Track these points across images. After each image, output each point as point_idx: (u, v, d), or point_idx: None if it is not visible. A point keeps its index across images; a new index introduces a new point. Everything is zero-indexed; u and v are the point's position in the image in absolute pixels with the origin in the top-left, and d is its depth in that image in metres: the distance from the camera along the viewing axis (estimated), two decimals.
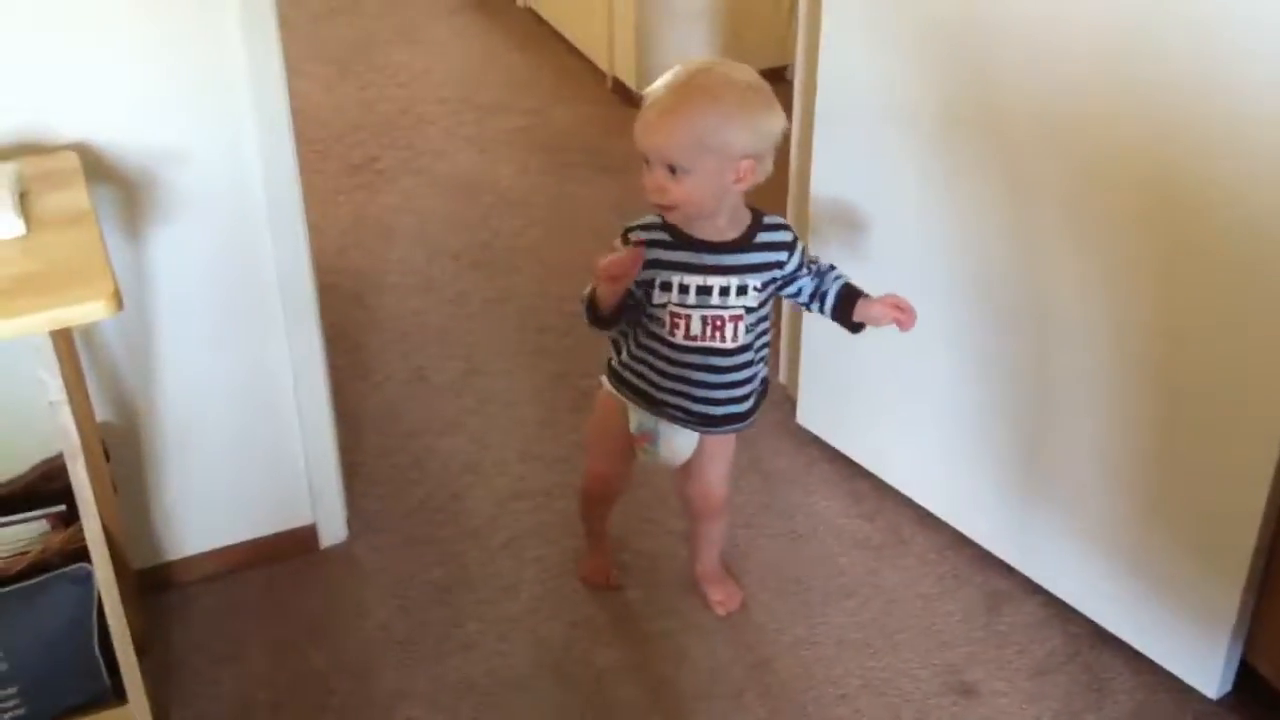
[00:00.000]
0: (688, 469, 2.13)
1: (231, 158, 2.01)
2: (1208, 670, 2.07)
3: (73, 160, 1.83)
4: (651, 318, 1.92)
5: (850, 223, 2.38)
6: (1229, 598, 1.98)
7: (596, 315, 1.90)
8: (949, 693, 2.14)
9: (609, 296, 1.85)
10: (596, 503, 2.27)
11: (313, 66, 4.27)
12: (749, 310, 1.90)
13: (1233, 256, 1.81)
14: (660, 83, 1.82)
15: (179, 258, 2.04)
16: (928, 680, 2.16)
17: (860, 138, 2.31)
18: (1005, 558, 2.34)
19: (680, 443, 2.06)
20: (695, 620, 2.27)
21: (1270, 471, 1.86)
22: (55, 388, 1.66)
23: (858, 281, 2.00)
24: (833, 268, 2.00)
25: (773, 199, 2.77)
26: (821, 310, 1.99)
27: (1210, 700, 2.08)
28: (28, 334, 1.55)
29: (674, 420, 2.01)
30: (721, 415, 2.00)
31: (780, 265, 1.91)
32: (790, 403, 2.71)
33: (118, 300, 1.55)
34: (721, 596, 2.29)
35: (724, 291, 1.88)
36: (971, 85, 2.08)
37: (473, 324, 3.03)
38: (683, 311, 1.89)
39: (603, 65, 4.27)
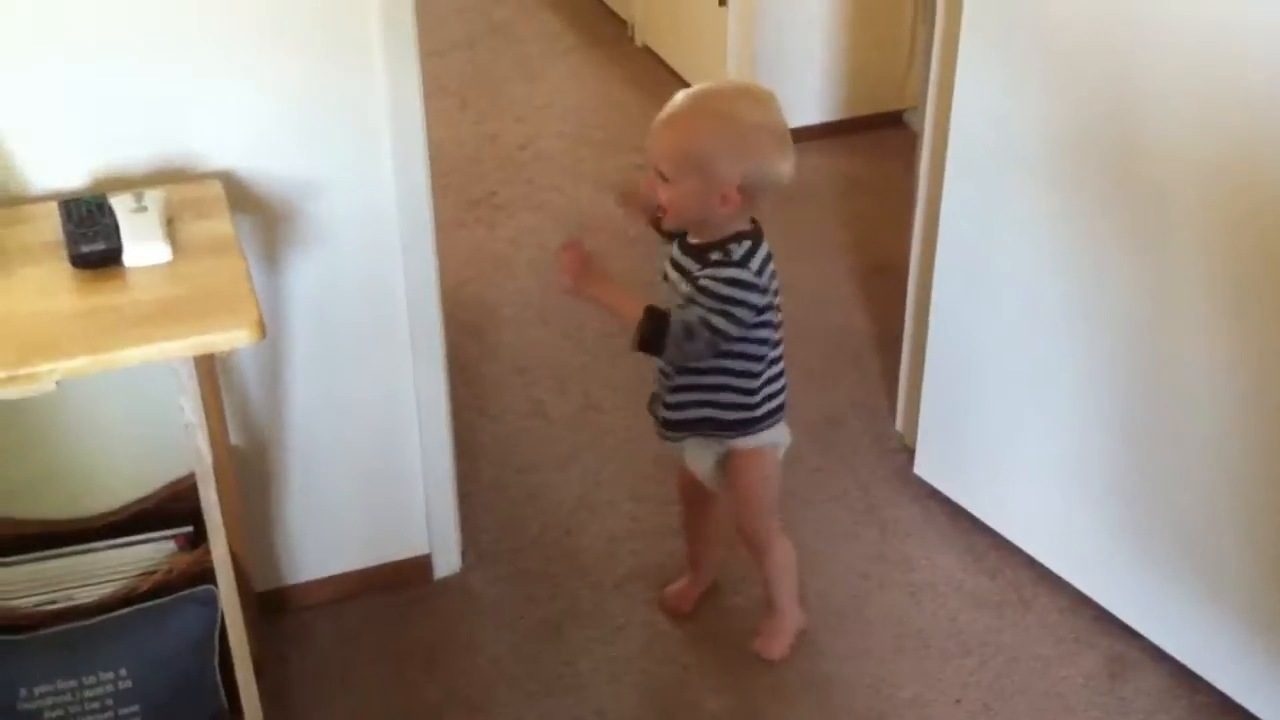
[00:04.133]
0: None
1: (369, 189, 2.04)
2: None
3: (217, 188, 1.86)
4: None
5: (979, 268, 2.35)
6: None
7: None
8: None
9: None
10: (684, 508, 2.31)
11: (432, 100, 4.29)
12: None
13: None
14: (688, 91, 1.87)
15: (312, 286, 2.07)
16: None
17: (992, 183, 2.27)
18: (1129, 621, 2.27)
19: (697, 463, 2.09)
20: (809, 672, 2.23)
21: None
22: (191, 410, 1.69)
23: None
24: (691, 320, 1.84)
25: (898, 243, 2.73)
26: None
27: None
28: (172, 358, 1.58)
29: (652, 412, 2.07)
30: (690, 419, 2.02)
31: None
32: (908, 453, 2.67)
33: (261, 329, 1.58)
34: (761, 639, 2.26)
35: (671, 286, 1.93)
36: (1113, 133, 2.04)
37: (589, 359, 3.04)
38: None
39: None
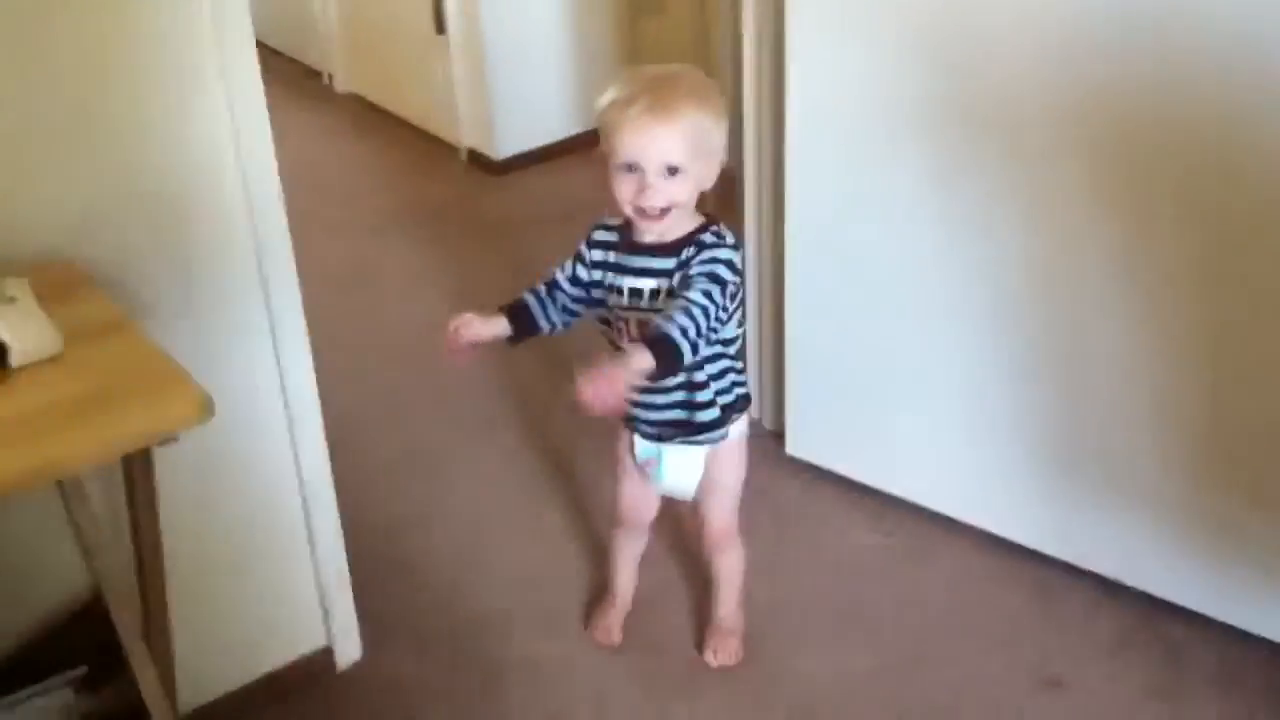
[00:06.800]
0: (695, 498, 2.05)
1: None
2: None
3: (76, 270, 1.61)
4: (609, 323, 1.89)
5: (832, 225, 2.34)
6: None
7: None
8: (1039, 690, 2.08)
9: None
10: (625, 532, 2.17)
11: None
12: None
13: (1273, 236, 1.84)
14: (630, 88, 1.73)
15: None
16: (1010, 682, 2.10)
17: (840, 141, 2.25)
18: (1041, 548, 2.31)
19: (683, 473, 1.98)
20: (760, 672, 2.15)
21: None
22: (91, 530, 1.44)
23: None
24: (686, 311, 1.72)
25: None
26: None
27: None
28: (108, 458, 1.34)
29: (637, 431, 1.95)
30: (669, 420, 1.91)
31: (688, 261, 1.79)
32: (774, 435, 2.63)
33: (209, 405, 1.36)
34: (712, 645, 2.18)
35: (654, 295, 1.82)
36: (961, 75, 2.06)
37: (411, 413, 2.86)
38: (624, 315, 1.85)
39: (450, 139, 4.15)
